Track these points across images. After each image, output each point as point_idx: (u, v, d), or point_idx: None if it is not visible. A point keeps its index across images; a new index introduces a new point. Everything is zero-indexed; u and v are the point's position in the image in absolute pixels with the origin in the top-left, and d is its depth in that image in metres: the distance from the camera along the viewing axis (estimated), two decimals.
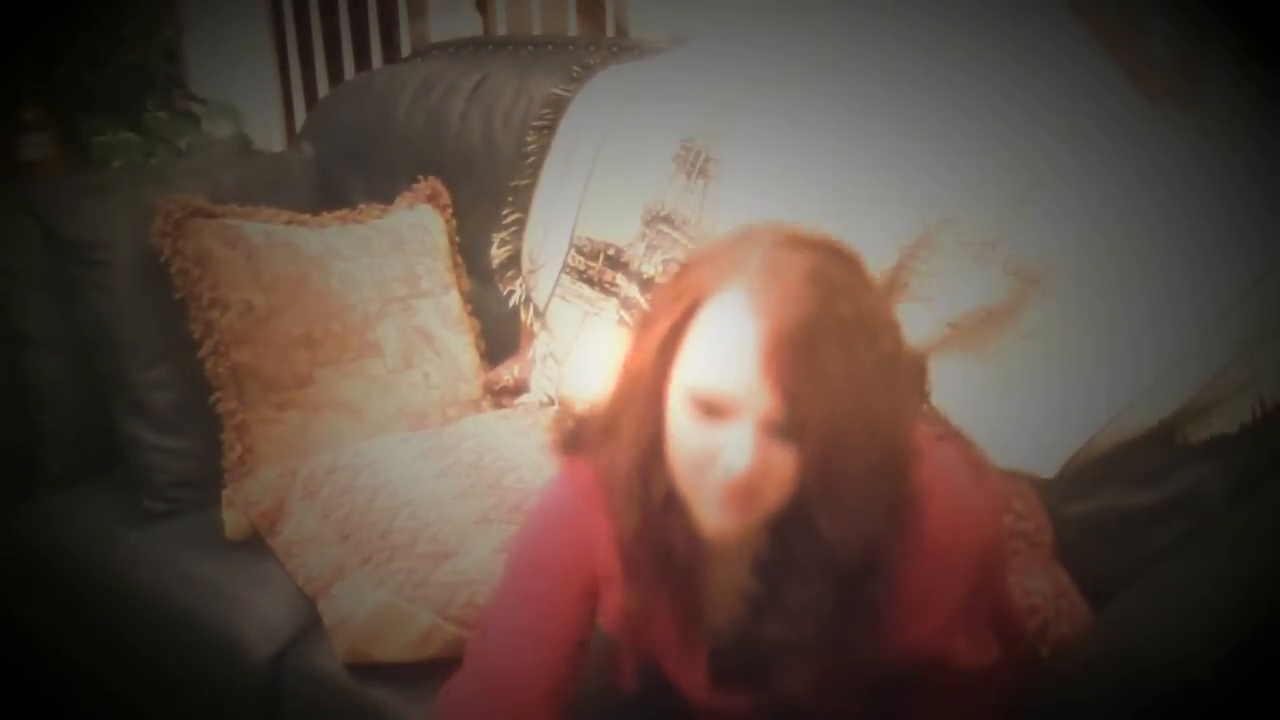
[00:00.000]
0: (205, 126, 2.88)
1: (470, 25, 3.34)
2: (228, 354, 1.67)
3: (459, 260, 1.92)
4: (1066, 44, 1.51)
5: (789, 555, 0.97)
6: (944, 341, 1.45)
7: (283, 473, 1.62)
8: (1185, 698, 0.98)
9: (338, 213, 1.89)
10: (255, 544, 1.60)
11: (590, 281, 1.78)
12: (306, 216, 1.84)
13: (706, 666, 1.08)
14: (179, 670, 1.59)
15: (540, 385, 1.81)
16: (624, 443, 0.99)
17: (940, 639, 1.04)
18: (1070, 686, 1.12)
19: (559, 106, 1.85)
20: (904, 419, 0.95)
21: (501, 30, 3.15)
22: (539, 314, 1.83)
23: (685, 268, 0.99)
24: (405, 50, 3.05)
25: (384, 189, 1.97)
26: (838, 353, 0.88)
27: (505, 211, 1.87)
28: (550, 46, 2.09)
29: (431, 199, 1.92)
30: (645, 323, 0.98)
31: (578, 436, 1.09)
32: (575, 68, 1.90)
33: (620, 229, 1.73)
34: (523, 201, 1.86)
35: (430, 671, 1.36)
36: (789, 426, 0.89)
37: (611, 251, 1.75)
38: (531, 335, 1.85)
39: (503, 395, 1.85)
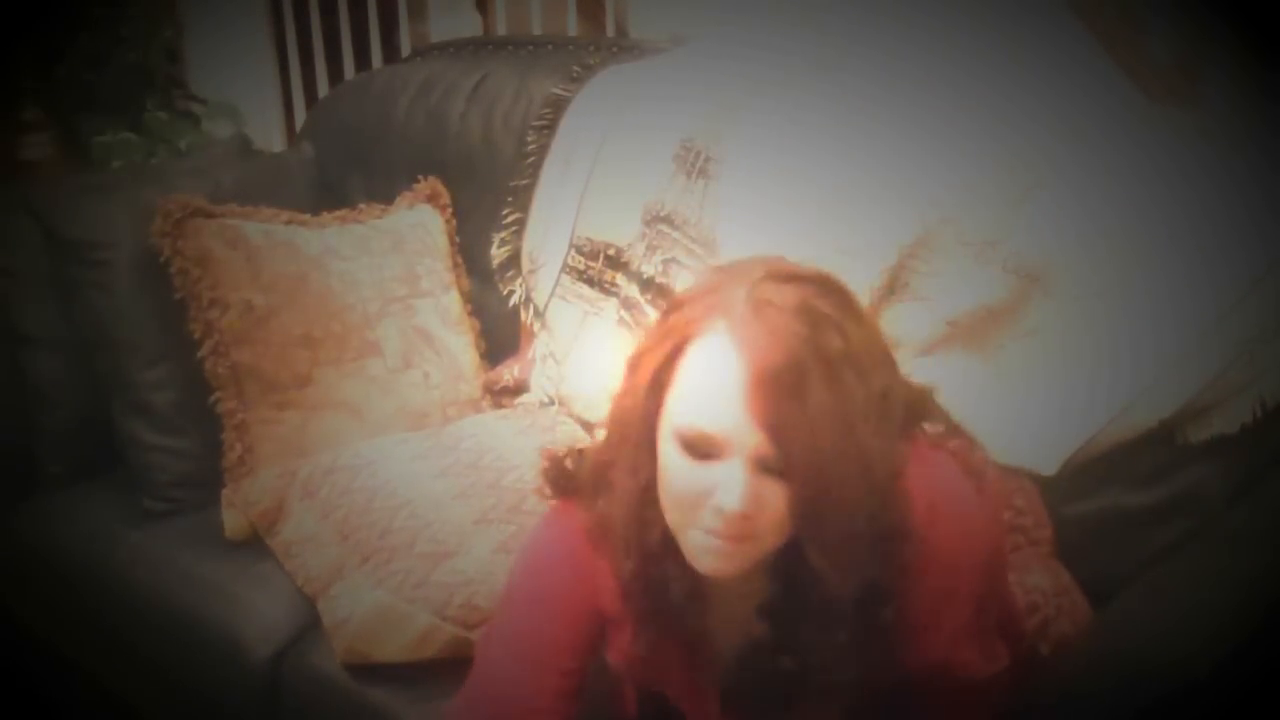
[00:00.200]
0: (205, 126, 2.88)
1: (470, 25, 3.34)
2: (227, 354, 1.67)
3: (459, 260, 1.92)
4: (1066, 44, 1.51)
5: (792, 594, 0.96)
6: (944, 340, 1.45)
7: (282, 473, 1.62)
8: (1185, 698, 0.98)
9: (338, 213, 1.89)
10: (255, 544, 1.60)
11: (590, 281, 1.78)
12: (306, 216, 1.84)
13: (719, 701, 1.07)
14: (179, 670, 1.59)
15: (540, 385, 1.81)
16: (618, 490, 0.98)
17: (950, 651, 1.03)
18: (1070, 686, 1.12)
19: (559, 106, 1.85)
20: (897, 454, 0.93)
21: (501, 30, 3.14)
22: (539, 314, 1.83)
23: (672, 306, 0.98)
24: (405, 50, 3.05)
25: (384, 189, 1.97)
26: (825, 388, 0.87)
27: (505, 211, 1.87)
28: (550, 46, 2.08)
29: (431, 199, 1.92)
30: (634, 364, 0.97)
31: (572, 482, 1.08)
32: (575, 68, 1.90)
33: (620, 229, 1.73)
34: (523, 201, 1.86)
35: (429, 672, 1.37)
36: (779, 463, 0.88)
37: (611, 251, 1.75)
38: (531, 335, 1.85)
39: (502, 395, 1.84)
